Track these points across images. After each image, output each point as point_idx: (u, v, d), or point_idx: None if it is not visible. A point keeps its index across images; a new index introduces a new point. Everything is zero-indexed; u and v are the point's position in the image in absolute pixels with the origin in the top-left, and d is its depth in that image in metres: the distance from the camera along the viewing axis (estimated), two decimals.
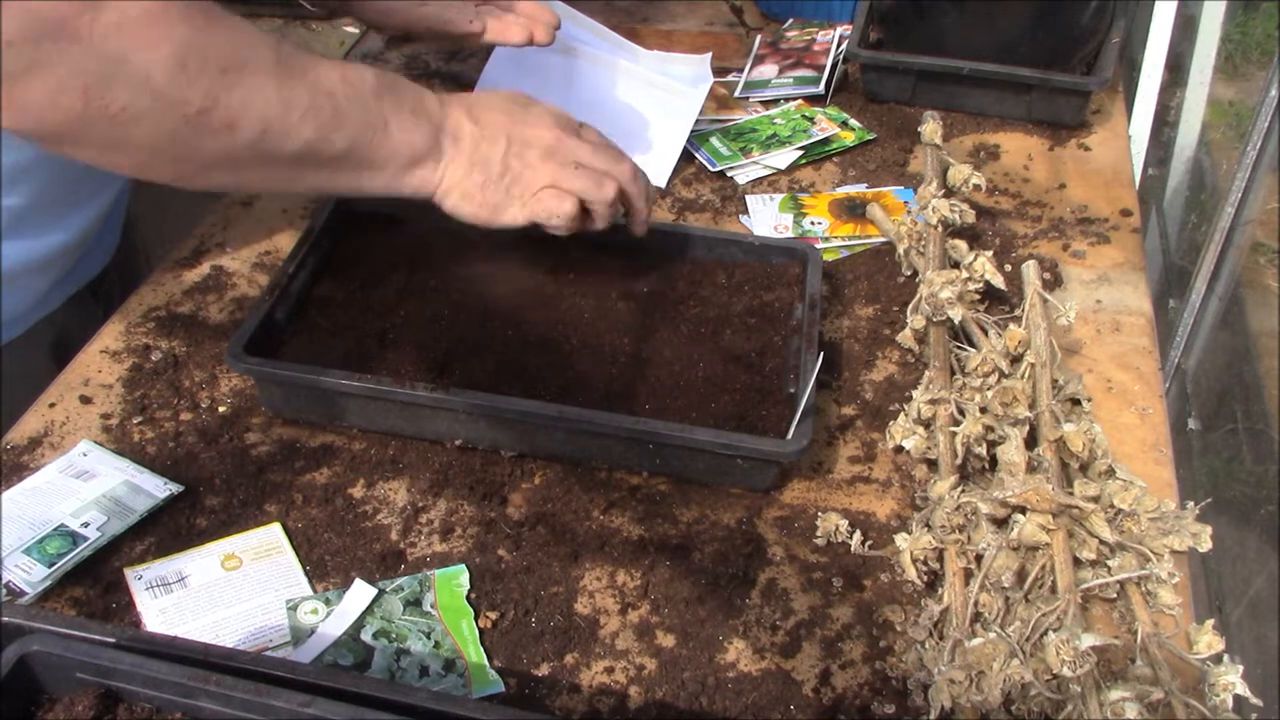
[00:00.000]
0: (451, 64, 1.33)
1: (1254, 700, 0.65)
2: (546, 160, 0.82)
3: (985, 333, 0.88)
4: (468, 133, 0.81)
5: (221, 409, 0.87)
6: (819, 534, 0.78)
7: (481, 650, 0.70)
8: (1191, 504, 0.76)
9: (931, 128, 1.11)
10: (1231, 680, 0.64)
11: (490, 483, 0.81)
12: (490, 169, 0.81)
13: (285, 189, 0.77)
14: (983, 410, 0.81)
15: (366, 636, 0.71)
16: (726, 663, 0.70)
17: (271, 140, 0.70)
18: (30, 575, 0.73)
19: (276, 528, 0.78)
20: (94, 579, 0.74)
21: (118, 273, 1.06)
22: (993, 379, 0.84)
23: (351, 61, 0.77)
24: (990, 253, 0.93)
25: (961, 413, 0.82)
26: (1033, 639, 0.68)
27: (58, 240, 0.94)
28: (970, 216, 0.99)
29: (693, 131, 1.17)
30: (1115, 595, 0.74)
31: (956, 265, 0.95)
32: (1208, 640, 0.68)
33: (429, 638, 0.71)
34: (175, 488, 0.80)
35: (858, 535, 0.77)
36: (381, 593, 0.73)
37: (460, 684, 0.68)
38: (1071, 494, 0.75)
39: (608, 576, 0.75)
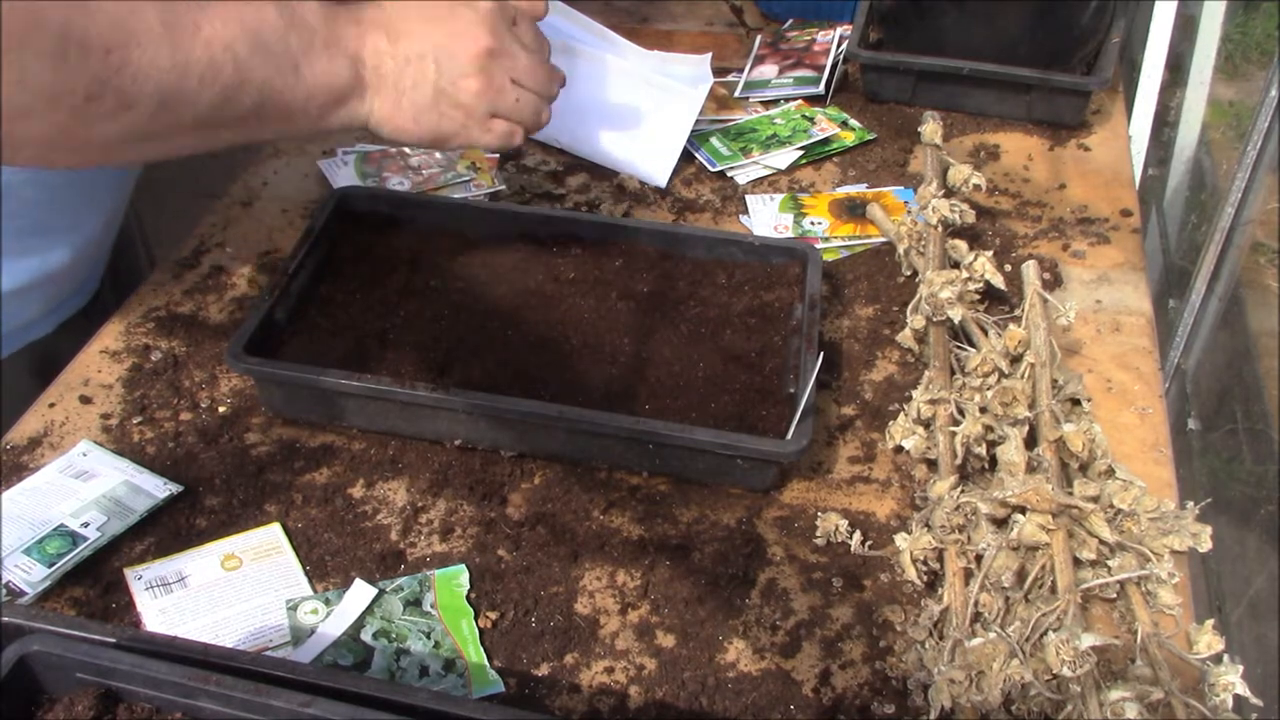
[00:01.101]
0: None
1: (1254, 700, 0.65)
2: (481, 77, 0.77)
3: (985, 333, 0.88)
4: (388, 57, 0.75)
5: (221, 409, 0.87)
6: (819, 534, 0.78)
7: (481, 650, 0.70)
8: (1191, 504, 0.76)
9: (931, 128, 1.10)
10: (1231, 680, 0.64)
11: (490, 483, 0.81)
12: (420, 94, 0.76)
13: (202, 150, 0.71)
14: (982, 410, 0.81)
15: (366, 636, 0.71)
16: (726, 663, 0.70)
17: (172, 111, 0.65)
18: (30, 575, 0.73)
19: (276, 528, 0.78)
20: (94, 579, 0.74)
21: (113, 281, 1.06)
22: (993, 379, 0.84)
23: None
24: (990, 253, 0.93)
25: (961, 413, 0.82)
26: (1033, 639, 0.68)
27: (37, 266, 0.92)
28: (970, 216, 0.99)
29: (693, 131, 1.17)
30: (1115, 595, 0.74)
31: (956, 265, 0.95)
32: (1208, 640, 0.68)
33: (429, 638, 0.71)
34: (175, 488, 0.80)
35: (858, 535, 0.77)
36: (381, 593, 0.73)
37: (460, 684, 0.68)
38: (1071, 494, 0.75)
39: (608, 576, 0.75)
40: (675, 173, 1.15)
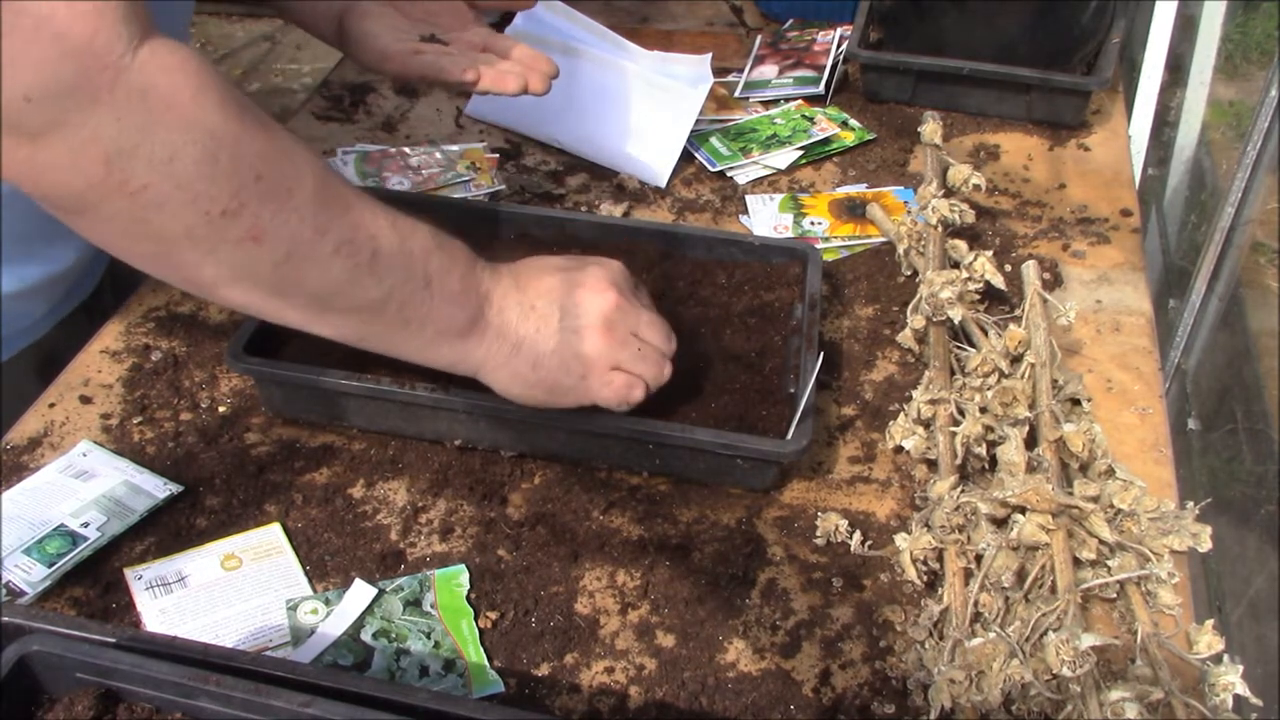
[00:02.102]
0: None
1: (1254, 700, 0.65)
2: (606, 334, 0.74)
3: (985, 333, 0.88)
4: (514, 302, 0.73)
5: (221, 409, 0.87)
6: (819, 534, 0.78)
7: (481, 650, 0.70)
8: (1191, 504, 0.76)
9: (931, 128, 1.11)
10: (1231, 680, 0.64)
11: (490, 483, 0.81)
12: (542, 345, 0.73)
13: (303, 328, 0.69)
14: (983, 410, 0.81)
15: (366, 636, 0.71)
16: (726, 663, 0.70)
17: (297, 266, 0.63)
18: (30, 575, 0.73)
19: (276, 528, 0.78)
20: (94, 579, 0.74)
21: (112, 281, 1.06)
22: (993, 379, 0.84)
23: (405, 215, 0.70)
24: (990, 253, 0.93)
25: (961, 413, 0.82)
26: (1033, 639, 0.68)
27: (42, 270, 0.92)
28: (970, 216, 0.99)
29: (693, 131, 1.17)
30: (1115, 595, 0.74)
31: (956, 265, 0.95)
32: (1208, 640, 0.68)
33: (429, 638, 0.71)
34: (175, 488, 0.80)
35: (858, 535, 0.77)
36: (381, 593, 0.73)
37: (460, 684, 0.68)
38: (1071, 494, 0.75)
39: (608, 576, 0.75)
40: (675, 173, 1.15)
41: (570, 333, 0.74)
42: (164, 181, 0.57)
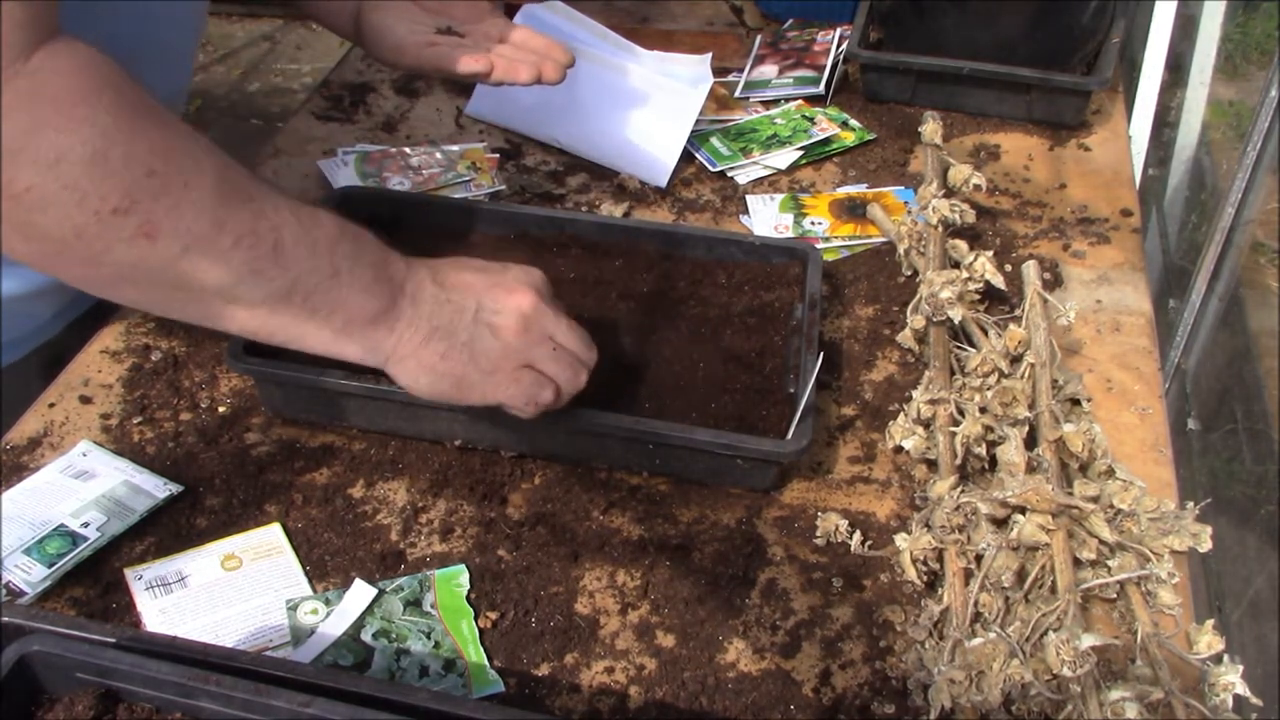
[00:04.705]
0: None
1: (1254, 700, 0.65)
2: (521, 331, 0.73)
3: (985, 333, 0.88)
4: (429, 295, 0.72)
5: (221, 409, 0.87)
6: (819, 534, 0.78)
7: (481, 650, 0.70)
8: (1191, 504, 0.76)
9: (931, 128, 1.11)
10: (1231, 680, 0.64)
11: (490, 483, 0.81)
12: (454, 336, 0.72)
13: (209, 324, 0.67)
14: (982, 410, 0.81)
15: (366, 636, 0.71)
16: (726, 663, 0.70)
17: (194, 262, 0.62)
18: (30, 575, 0.73)
19: (276, 528, 0.78)
20: (94, 579, 0.74)
21: None
22: (993, 379, 0.84)
23: (311, 207, 0.68)
24: (990, 253, 0.93)
25: (961, 413, 0.82)
26: (1033, 639, 0.68)
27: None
28: (970, 216, 0.99)
29: (693, 131, 1.17)
30: (1115, 595, 0.74)
31: (956, 265, 0.95)
32: (1208, 640, 0.68)
33: (429, 638, 0.71)
34: (175, 488, 0.80)
35: (858, 535, 0.77)
36: (381, 593, 0.73)
37: (460, 684, 0.68)
38: (1071, 494, 0.75)
39: (608, 576, 0.75)
40: (675, 173, 1.15)
41: (484, 326, 0.73)
42: (50, 183, 0.57)
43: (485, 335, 0.72)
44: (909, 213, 1.02)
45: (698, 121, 1.18)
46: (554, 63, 0.93)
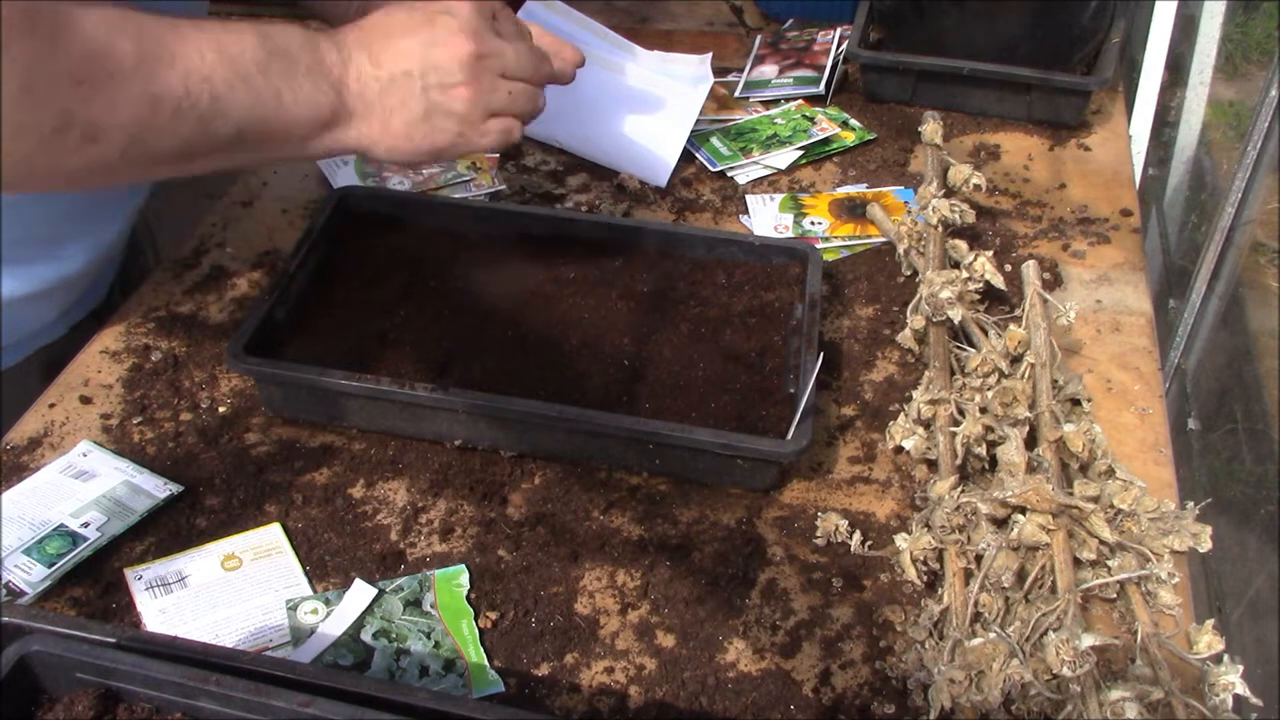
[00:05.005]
0: None
1: (1254, 700, 0.65)
2: (472, 82, 0.75)
3: (985, 333, 0.88)
4: (371, 79, 0.73)
5: (221, 409, 0.87)
6: (819, 534, 0.78)
7: (481, 650, 0.70)
8: (1191, 504, 0.76)
9: (931, 128, 1.11)
10: (1231, 680, 0.64)
11: (490, 483, 0.81)
12: (410, 110, 0.74)
13: (178, 176, 0.69)
14: (983, 410, 0.81)
15: (366, 636, 0.71)
16: (726, 663, 0.70)
17: (145, 144, 0.64)
18: (30, 575, 0.73)
19: (276, 528, 0.78)
20: (94, 579, 0.74)
21: (121, 283, 1.06)
22: (993, 379, 0.84)
23: (229, 21, 0.69)
24: (990, 253, 0.93)
25: (961, 413, 0.82)
26: (1033, 639, 0.68)
27: (54, 272, 0.92)
28: (970, 216, 0.99)
29: (693, 131, 1.17)
30: (1115, 595, 0.74)
31: (956, 265, 0.95)
32: (1208, 640, 0.68)
33: (429, 638, 0.71)
34: (175, 488, 0.80)
35: (858, 535, 0.77)
36: (381, 593, 0.73)
37: (460, 684, 0.68)
38: (1071, 494, 0.75)
39: (608, 576, 0.75)
40: (675, 173, 1.15)
41: (435, 93, 0.74)
42: None
43: (439, 104, 0.75)
44: (909, 213, 1.02)
45: (698, 121, 1.18)
46: (564, 62, 0.93)
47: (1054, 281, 1.02)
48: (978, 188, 1.03)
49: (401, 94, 0.74)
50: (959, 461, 0.80)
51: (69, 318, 0.98)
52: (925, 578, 0.74)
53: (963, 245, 0.97)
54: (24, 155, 0.60)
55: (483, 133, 0.77)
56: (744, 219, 1.10)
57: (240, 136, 0.68)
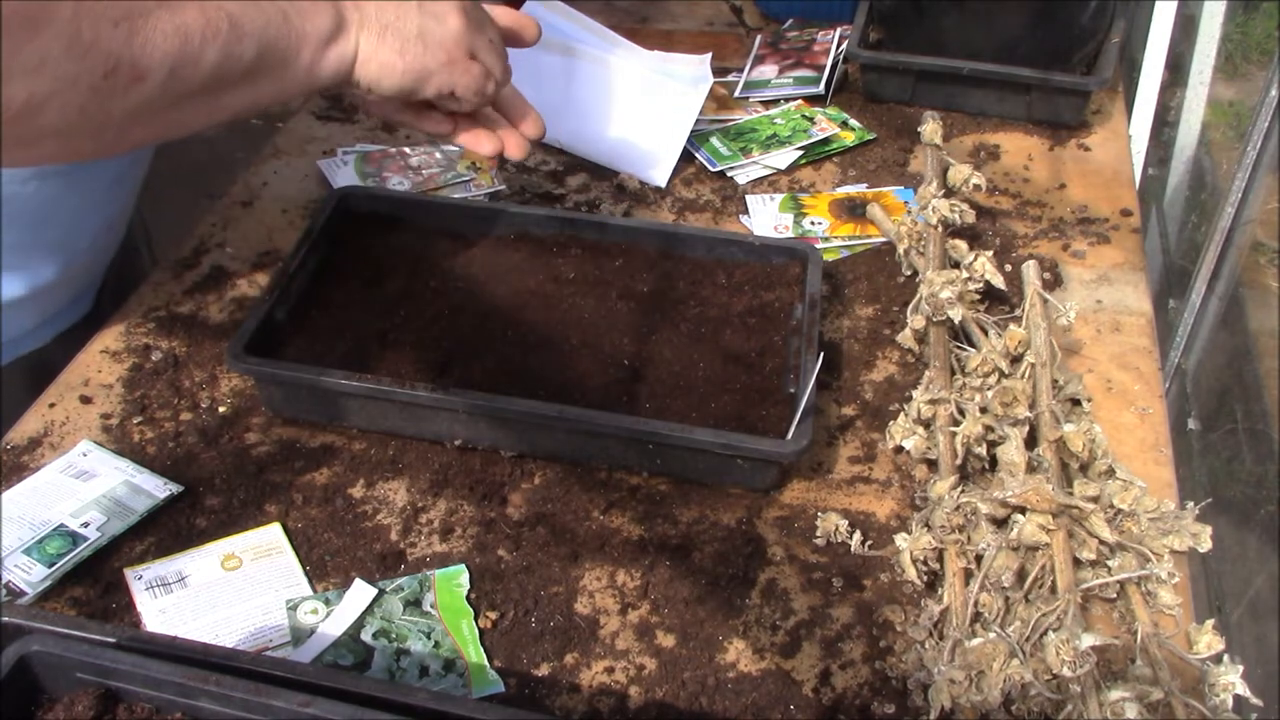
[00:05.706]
0: None
1: (1254, 700, 0.65)
2: (465, 17, 0.78)
3: (985, 333, 0.88)
4: None
5: (221, 409, 0.87)
6: (819, 534, 0.78)
7: (481, 650, 0.70)
8: (1191, 504, 0.76)
9: (931, 128, 1.11)
10: (1231, 680, 0.64)
11: (490, 483, 0.81)
12: (405, 30, 0.76)
13: (209, 122, 0.71)
14: (983, 410, 0.81)
15: (366, 636, 0.71)
16: (726, 663, 0.70)
17: (182, 76, 0.66)
18: (30, 575, 0.73)
19: (276, 528, 0.78)
20: (94, 579, 0.74)
21: (116, 284, 1.06)
22: (993, 379, 0.84)
23: None
24: (990, 253, 0.93)
25: (961, 413, 0.82)
26: (1033, 639, 0.68)
27: (24, 285, 0.92)
28: (970, 216, 0.99)
29: (693, 131, 1.17)
30: (1115, 595, 0.74)
31: (956, 265, 0.95)
32: (1208, 640, 0.68)
33: (429, 638, 0.71)
34: (175, 488, 0.80)
35: (858, 535, 0.77)
36: (381, 593, 0.73)
37: (460, 684, 0.68)
38: (1071, 494, 0.75)
39: (608, 576, 0.75)
40: (675, 173, 1.15)
41: (431, 17, 0.77)
42: (44, 85, 0.59)
43: (432, 24, 0.77)
44: (909, 213, 1.02)
45: (698, 121, 1.18)
46: (517, 142, 0.91)
47: (1054, 281, 1.02)
48: (977, 188, 1.03)
49: (398, 11, 0.76)
50: (959, 461, 0.80)
51: (53, 326, 0.98)
52: (925, 578, 0.74)
53: (963, 245, 0.97)
54: (79, 107, 0.62)
55: (465, 69, 0.79)
56: (744, 219, 1.10)
57: (260, 60, 0.70)
